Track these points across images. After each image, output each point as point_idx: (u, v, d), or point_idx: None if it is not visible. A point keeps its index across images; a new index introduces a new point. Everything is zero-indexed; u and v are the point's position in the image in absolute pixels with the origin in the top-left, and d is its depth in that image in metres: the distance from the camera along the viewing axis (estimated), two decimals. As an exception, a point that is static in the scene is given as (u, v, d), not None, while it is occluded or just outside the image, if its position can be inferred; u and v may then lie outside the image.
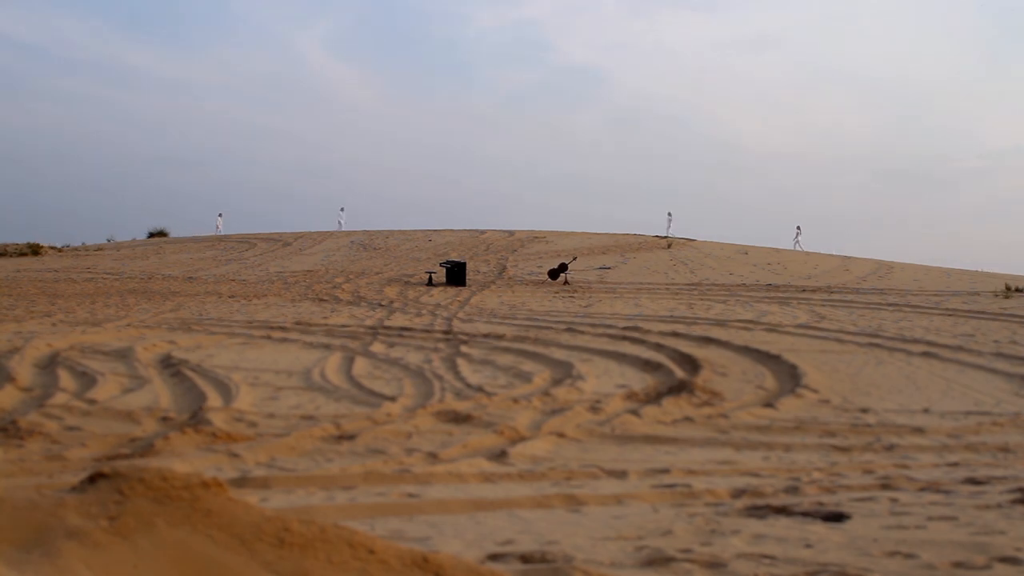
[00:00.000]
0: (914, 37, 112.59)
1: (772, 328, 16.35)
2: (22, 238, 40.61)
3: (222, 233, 46.07)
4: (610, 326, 16.36)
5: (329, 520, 3.76)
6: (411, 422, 8.74)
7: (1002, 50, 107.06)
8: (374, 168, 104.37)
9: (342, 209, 47.45)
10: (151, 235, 46.48)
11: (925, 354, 13.60)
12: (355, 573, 3.30)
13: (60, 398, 9.58)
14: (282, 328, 16.01)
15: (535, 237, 37.82)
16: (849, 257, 32.91)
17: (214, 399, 9.81)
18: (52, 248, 39.75)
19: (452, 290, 23.75)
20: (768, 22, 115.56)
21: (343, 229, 45.49)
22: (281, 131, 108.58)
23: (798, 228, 42.61)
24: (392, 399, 10.09)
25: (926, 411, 9.73)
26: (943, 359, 13.21)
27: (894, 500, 5.82)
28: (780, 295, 22.47)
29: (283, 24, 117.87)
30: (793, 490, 6.19)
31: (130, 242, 43.54)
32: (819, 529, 5.06)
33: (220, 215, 48.04)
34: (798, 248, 40.90)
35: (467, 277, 25.50)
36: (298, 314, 18.28)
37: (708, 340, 14.65)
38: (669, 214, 42.90)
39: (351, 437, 8.02)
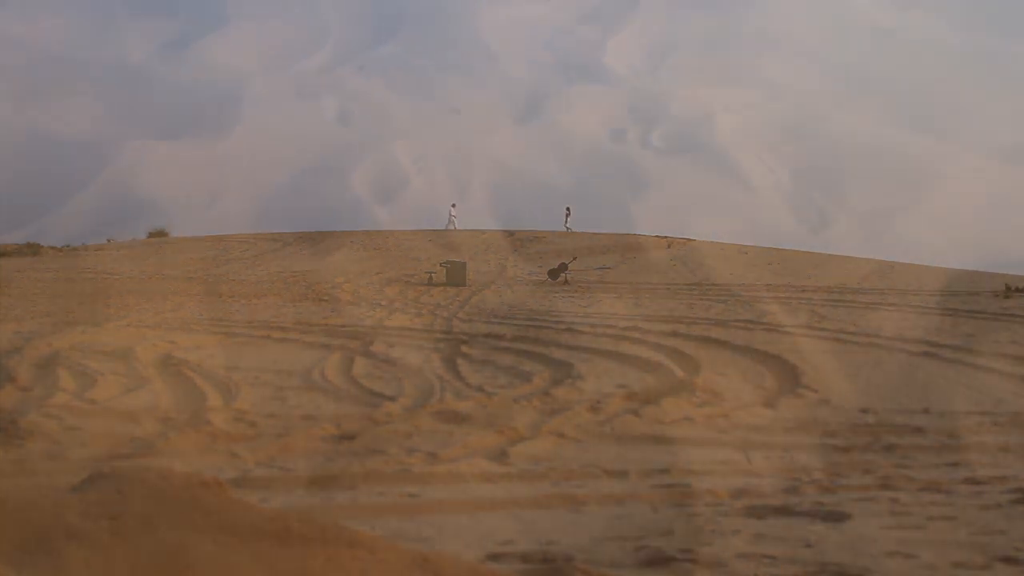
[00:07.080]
0: (914, 33, 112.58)
1: (772, 328, 16.34)
2: (22, 238, 40.56)
3: (455, 228, 40.62)
4: (610, 326, 16.35)
5: (329, 520, 3.76)
6: (411, 422, 8.74)
7: (1005, 48, 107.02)
8: (373, 167, 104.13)
9: (453, 205, 41.64)
10: (151, 235, 46.37)
11: (925, 354, 13.59)
12: (355, 573, 3.30)
13: (60, 398, 9.59)
14: (282, 328, 16.01)
15: (535, 237, 37.80)
16: (849, 257, 32.86)
17: (214, 399, 9.82)
18: (52, 248, 39.69)
19: (452, 290, 23.75)
20: (768, 19, 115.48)
21: (453, 228, 40.85)
22: (280, 129, 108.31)
23: (568, 209, 40.60)
24: (392, 399, 10.09)
25: (926, 411, 9.73)
26: (943, 359, 13.20)
27: (894, 500, 5.82)
28: (780, 295, 22.47)
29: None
30: (793, 490, 6.19)
31: (130, 242, 43.49)
32: (819, 529, 5.07)
33: (454, 205, 41.90)
34: (568, 229, 39.57)
35: (467, 277, 25.50)
36: (298, 314, 18.27)
37: (708, 340, 14.65)
38: (453, 206, 40.73)
39: (351, 437, 8.02)
